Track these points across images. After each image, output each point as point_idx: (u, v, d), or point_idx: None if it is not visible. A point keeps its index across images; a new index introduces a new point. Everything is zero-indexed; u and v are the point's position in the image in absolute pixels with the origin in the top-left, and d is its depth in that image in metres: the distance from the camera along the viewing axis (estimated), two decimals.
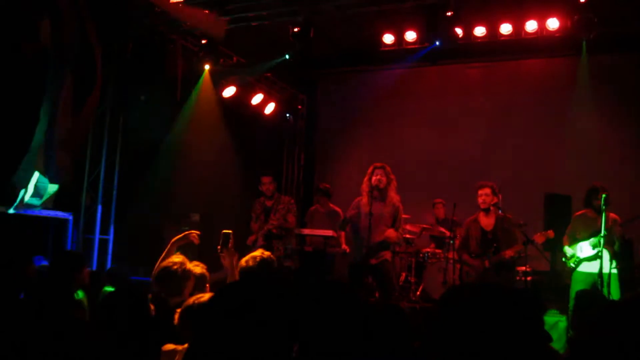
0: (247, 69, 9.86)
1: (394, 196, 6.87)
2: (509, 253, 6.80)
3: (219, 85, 9.57)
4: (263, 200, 8.16)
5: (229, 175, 9.56)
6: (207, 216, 9.31)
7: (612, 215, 6.97)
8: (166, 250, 4.47)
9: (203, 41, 8.77)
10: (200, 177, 9.38)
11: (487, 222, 6.98)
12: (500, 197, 7.06)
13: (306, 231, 8.65)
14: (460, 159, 10.36)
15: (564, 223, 7.50)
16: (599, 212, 6.93)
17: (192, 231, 4.77)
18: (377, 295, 7.45)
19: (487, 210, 6.97)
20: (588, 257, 6.99)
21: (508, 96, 10.32)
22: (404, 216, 7.41)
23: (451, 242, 8.38)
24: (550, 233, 7.11)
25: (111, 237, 8.41)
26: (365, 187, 6.85)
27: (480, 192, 6.97)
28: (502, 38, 8.18)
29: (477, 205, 7.10)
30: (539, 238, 7.07)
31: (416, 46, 8.57)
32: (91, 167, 8.25)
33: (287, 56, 8.57)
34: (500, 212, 7.02)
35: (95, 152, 8.26)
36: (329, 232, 8.06)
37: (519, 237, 6.97)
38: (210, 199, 9.57)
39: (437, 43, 7.79)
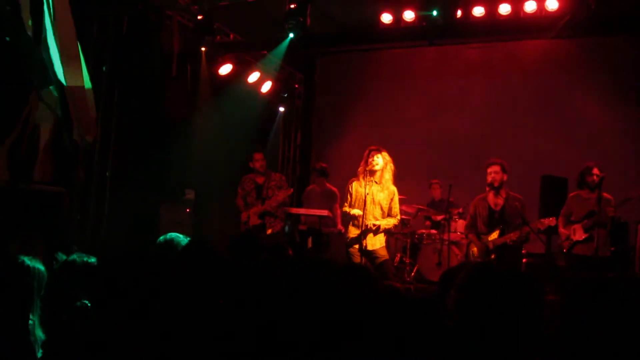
0: (249, 46, 9.78)
1: (389, 180, 6.82)
2: (513, 235, 6.59)
3: (215, 62, 9.49)
4: (254, 177, 8.11)
5: (225, 153, 9.52)
6: (202, 193, 9.29)
7: (605, 195, 6.90)
8: None
9: (199, 17, 8.69)
10: (195, 154, 9.33)
11: (495, 201, 6.79)
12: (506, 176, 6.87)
13: (301, 211, 8.64)
14: (457, 139, 10.33)
15: (559, 205, 7.48)
16: (592, 190, 6.86)
17: None
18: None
19: (496, 189, 6.76)
20: (582, 240, 6.95)
21: (506, 77, 10.27)
22: (400, 197, 7.39)
23: (446, 223, 8.36)
24: (552, 220, 6.96)
25: (106, 213, 8.35)
26: (361, 169, 6.78)
27: (489, 170, 6.74)
28: (501, 18, 8.09)
29: (474, 186, 7.02)
30: (541, 225, 6.89)
31: (415, 25, 8.48)
32: None
33: (291, 35, 8.38)
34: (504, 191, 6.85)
35: None
36: (324, 212, 8.04)
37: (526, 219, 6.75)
38: (205, 176, 9.53)
39: (435, 13, 7.72)
